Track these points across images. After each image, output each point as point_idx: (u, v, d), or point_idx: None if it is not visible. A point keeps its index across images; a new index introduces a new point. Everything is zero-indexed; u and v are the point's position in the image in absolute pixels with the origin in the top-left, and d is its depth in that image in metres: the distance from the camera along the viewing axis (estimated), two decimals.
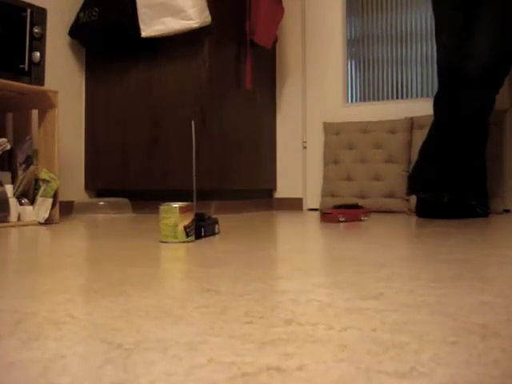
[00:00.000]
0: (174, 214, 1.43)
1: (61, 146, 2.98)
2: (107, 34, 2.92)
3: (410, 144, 3.03)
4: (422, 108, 3.05)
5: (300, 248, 1.33)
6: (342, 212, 2.23)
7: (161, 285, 0.85)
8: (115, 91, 3.04)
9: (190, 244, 1.43)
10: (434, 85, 3.11)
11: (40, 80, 2.27)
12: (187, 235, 1.45)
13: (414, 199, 2.84)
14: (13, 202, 2.13)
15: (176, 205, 1.44)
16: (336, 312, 0.66)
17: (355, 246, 1.35)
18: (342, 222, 2.20)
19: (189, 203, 1.47)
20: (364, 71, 3.31)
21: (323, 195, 3.21)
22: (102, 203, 2.91)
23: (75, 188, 3.08)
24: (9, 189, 2.13)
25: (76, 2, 3.06)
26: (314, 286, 0.83)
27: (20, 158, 2.28)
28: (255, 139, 3.22)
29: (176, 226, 1.43)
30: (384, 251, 1.25)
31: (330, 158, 3.22)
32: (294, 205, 3.41)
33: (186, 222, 1.45)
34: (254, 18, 3.05)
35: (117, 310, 0.68)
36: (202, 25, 2.67)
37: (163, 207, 1.45)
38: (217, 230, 1.69)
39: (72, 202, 2.96)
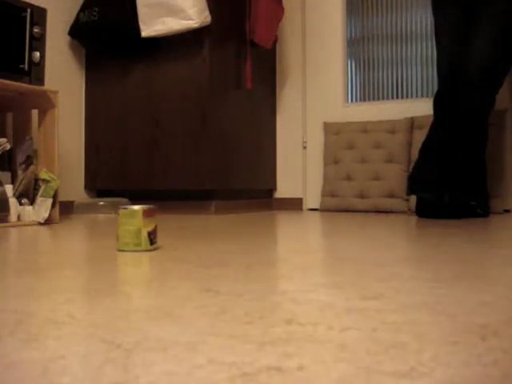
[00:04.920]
0: (137, 219, 1.26)
1: (61, 146, 2.98)
2: (107, 33, 2.92)
3: (410, 144, 3.03)
4: (422, 108, 3.05)
5: (300, 248, 1.33)
6: None
7: (161, 285, 0.85)
8: (115, 91, 3.04)
9: (188, 244, 1.43)
10: (433, 85, 3.11)
11: (40, 80, 2.27)
12: (151, 242, 1.29)
13: (414, 199, 2.84)
14: (13, 202, 2.12)
15: (139, 208, 1.28)
16: (336, 312, 0.66)
17: (355, 246, 1.35)
18: None
19: (152, 206, 1.31)
20: (364, 71, 3.31)
21: (323, 195, 3.21)
22: (101, 203, 2.91)
23: (75, 188, 3.08)
24: (9, 189, 2.12)
25: (76, 2, 3.05)
26: (314, 285, 0.83)
27: (20, 157, 2.28)
28: (255, 139, 3.22)
29: (139, 232, 1.26)
30: (384, 251, 1.25)
31: (330, 158, 3.22)
32: (294, 205, 3.40)
33: (150, 228, 1.28)
34: (253, 18, 3.04)
35: (117, 309, 0.68)
36: (202, 25, 2.67)
37: (124, 211, 1.28)
38: None
39: (72, 202, 2.96)
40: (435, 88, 3.04)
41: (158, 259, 1.15)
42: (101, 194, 3.17)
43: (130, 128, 3.00)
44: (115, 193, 3.08)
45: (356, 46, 3.34)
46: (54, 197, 2.22)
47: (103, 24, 2.86)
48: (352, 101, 3.34)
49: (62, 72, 3.00)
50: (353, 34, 3.35)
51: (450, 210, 2.41)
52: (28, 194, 2.24)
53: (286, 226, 2.12)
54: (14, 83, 2.15)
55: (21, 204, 2.17)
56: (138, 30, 2.78)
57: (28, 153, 2.28)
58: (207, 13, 2.68)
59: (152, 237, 1.29)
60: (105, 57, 3.07)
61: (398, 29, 3.22)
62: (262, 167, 3.29)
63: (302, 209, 3.39)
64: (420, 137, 2.94)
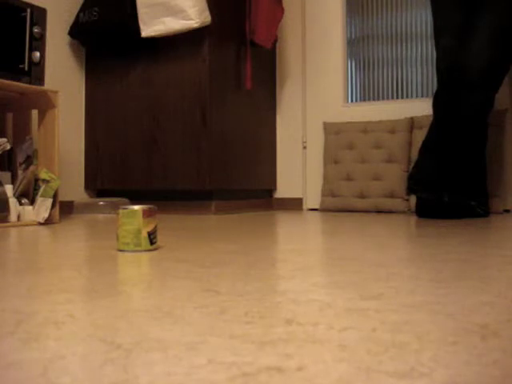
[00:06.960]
0: (137, 219, 1.27)
1: (61, 146, 2.98)
2: (107, 33, 2.92)
3: (410, 144, 3.03)
4: (422, 108, 3.05)
5: (300, 248, 1.33)
6: None
7: (161, 285, 0.85)
8: (115, 91, 3.04)
9: (188, 244, 1.43)
10: (433, 85, 3.11)
11: (40, 80, 2.27)
12: (151, 242, 1.29)
13: (414, 199, 2.84)
14: (13, 202, 2.12)
15: (139, 208, 1.28)
16: (336, 312, 0.66)
17: (355, 246, 1.35)
18: None
19: (152, 206, 1.32)
20: (364, 71, 3.31)
21: (323, 195, 3.21)
22: (101, 203, 2.91)
23: (75, 188, 3.08)
24: (9, 189, 2.12)
25: (76, 2, 3.05)
26: (314, 285, 0.83)
27: (20, 157, 2.28)
28: (255, 139, 3.22)
29: (139, 232, 1.27)
30: (384, 251, 1.25)
31: (330, 158, 3.22)
32: (293, 205, 3.40)
33: (150, 228, 1.28)
34: (253, 18, 3.05)
35: (117, 309, 0.68)
36: (202, 25, 2.67)
37: (124, 211, 1.28)
38: None
39: (72, 202, 2.96)
40: (435, 88, 3.04)
41: (158, 259, 1.15)
42: (101, 193, 3.17)
43: (130, 128, 3.00)
44: (115, 193, 3.08)
45: (356, 45, 3.34)
46: (54, 197, 2.22)
47: (103, 24, 2.86)
48: (352, 101, 3.34)
49: (62, 72, 3.00)
50: (353, 34, 3.35)
51: (449, 210, 2.41)
52: (28, 194, 2.24)
53: (285, 225, 2.12)
54: (14, 83, 2.15)
55: (21, 204, 2.17)
56: (137, 30, 2.78)
57: (28, 153, 2.28)
58: (207, 13, 2.68)
59: (152, 237, 1.29)
60: (105, 57, 3.07)
61: (398, 29, 3.22)
62: (262, 167, 3.29)
63: (302, 209, 3.39)
64: (420, 137, 2.94)
